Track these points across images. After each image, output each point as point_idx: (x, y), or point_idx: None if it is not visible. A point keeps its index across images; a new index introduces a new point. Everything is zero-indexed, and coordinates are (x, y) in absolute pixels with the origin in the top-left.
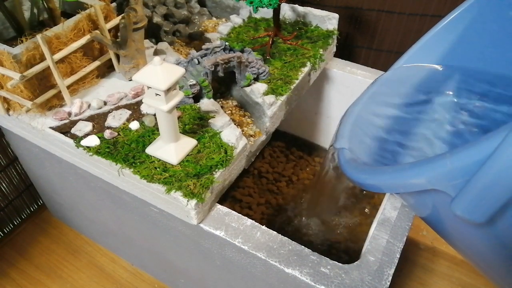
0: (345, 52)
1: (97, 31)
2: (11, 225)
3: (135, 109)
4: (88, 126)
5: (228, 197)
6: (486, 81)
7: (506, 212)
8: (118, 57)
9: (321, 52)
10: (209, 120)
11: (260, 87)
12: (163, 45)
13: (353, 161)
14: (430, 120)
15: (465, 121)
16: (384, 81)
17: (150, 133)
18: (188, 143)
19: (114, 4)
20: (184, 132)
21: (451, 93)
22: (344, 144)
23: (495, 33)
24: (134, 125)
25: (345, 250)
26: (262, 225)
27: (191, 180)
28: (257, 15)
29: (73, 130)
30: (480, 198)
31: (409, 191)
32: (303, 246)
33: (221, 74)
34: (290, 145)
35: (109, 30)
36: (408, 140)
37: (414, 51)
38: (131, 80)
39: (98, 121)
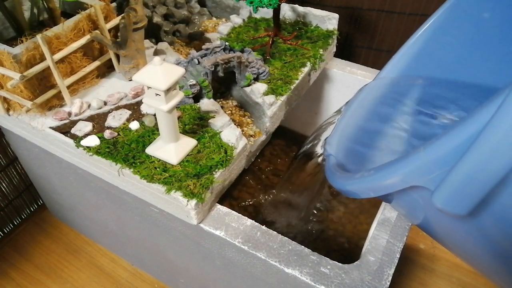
0: (345, 52)
1: (97, 31)
2: (11, 225)
3: (135, 109)
4: (88, 126)
5: (228, 196)
6: (456, 91)
7: (490, 205)
8: (118, 57)
9: (321, 52)
10: (209, 120)
11: (260, 87)
12: (163, 45)
13: (335, 168)
14: (401, 130)
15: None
16: (368, 91)
17: (150, 133)
18: (188, 143)
19: (114, 4)
20: (184, 132)
21: (416, 105)
22: (331, 151)
23: (472, 36)
24: (134, 125)
25: (345, 249)
26: (262, 225)
27: (191, 180)
28: (257, 15)
29: (73, 130)
30: (461, 188)
31: (387, 193)
32: (303, 246)
33: (221, 74)
34: (290, 143)
35: (109, 30)
36: (385, 149)
37: (394, 61)
38: (131, 80)
39: (98, 121)
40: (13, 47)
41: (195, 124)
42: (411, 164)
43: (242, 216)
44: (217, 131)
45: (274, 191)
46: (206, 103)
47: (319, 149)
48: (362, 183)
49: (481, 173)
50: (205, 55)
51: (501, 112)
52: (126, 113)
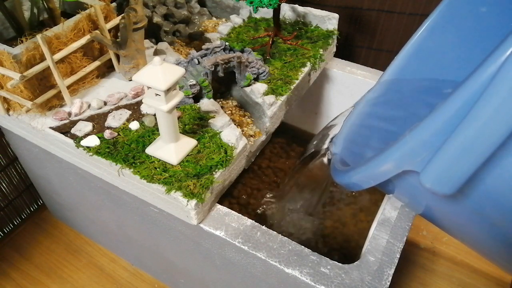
0: (345, 52)
1: (97, 31)
2: (11, 225)
3: (135, 109)
4: (88, 126)
5: (228, 195)
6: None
7: (481, 185)
8: (118, 57)
9: (321, 52)
10: (209, 120)
11: (260, 87)
12: (163, 45)
13: (338, 165)
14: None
15: None
16: (374, 92)
17: (150, 133)
18: (188, 143)
19: (114, 4)
20: (184, 132)
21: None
22: (336, 150)
23: (471, 32)
24: (134, 125)
25: (345, 248)
26: (262, 225)
27: (191, 180)
28: (257, 15)
29: (73, 130)
30: (447, 168)
31: (385, 179)
32: (303, 246)
33: (221, 74)
34: (291, 142)
35: (109, 30)
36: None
37: (396, 63)
38: (131, 80)
39: (98, 121)
40: (13, 47)
41: (195, 124)
42: (400, 149)
43: (242, 216)
44: (217, 131)
45: (278, 190)
46: (206, 103)
47: (324, 150)
48: (360, 173)
49: (465, 153)
50: (205, 55)
51: (488, 92)
52: (126, 113)
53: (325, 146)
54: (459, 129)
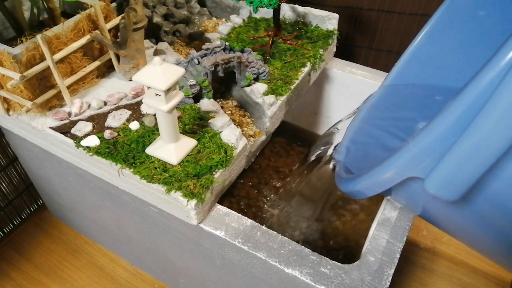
0: (345, 52)
1: (97, 31)
2: (11, 225)
3: (135, 109)
4: (88, 126)
5: (227, 194)
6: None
7: (485, 190)
8: (118, 57)
9: (321, 52)
10: (209, 120)
11: (260, 87)
12: (163, 45)
13: (342, 173)
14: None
15: None
16: (376, 98)
17: (150, 133)
18: (188, 143)
19: (114, 4)
20: (184, 132)
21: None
22: (340, 158)
23: (469, 35)
24: (134, 125)
25: (345, 247)
26: (262, 225)
27: (191, 180)
28: (257, 15)
29: (73, 130)
30: (452, 174)
31: (387, 188)
32: (303, 246)
33: (221, 74)
34: (291, 141)
35: (109, 30)
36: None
37: (397, 69)
38: (131, 80)
39: (98, 121)
40: (13, 47)
41: (195, 124)
42: (403, 157)
43: (242, 216)
44: (217, 131)
45: (281, 193)
46: (206, 103)
47: (328, 157)
48: (364, 180)
49: (471, 160)
50: (205, 55)
51: (493, 99)
52: (126, 113)
53: (329, 153)
54: (464, 136)
